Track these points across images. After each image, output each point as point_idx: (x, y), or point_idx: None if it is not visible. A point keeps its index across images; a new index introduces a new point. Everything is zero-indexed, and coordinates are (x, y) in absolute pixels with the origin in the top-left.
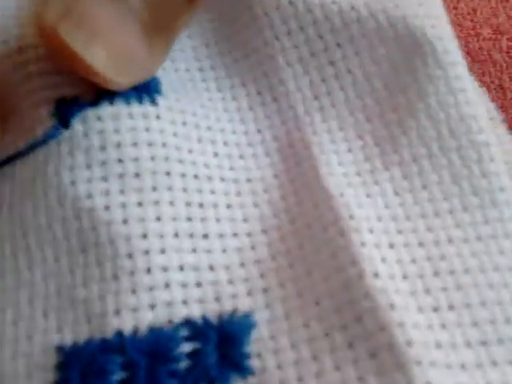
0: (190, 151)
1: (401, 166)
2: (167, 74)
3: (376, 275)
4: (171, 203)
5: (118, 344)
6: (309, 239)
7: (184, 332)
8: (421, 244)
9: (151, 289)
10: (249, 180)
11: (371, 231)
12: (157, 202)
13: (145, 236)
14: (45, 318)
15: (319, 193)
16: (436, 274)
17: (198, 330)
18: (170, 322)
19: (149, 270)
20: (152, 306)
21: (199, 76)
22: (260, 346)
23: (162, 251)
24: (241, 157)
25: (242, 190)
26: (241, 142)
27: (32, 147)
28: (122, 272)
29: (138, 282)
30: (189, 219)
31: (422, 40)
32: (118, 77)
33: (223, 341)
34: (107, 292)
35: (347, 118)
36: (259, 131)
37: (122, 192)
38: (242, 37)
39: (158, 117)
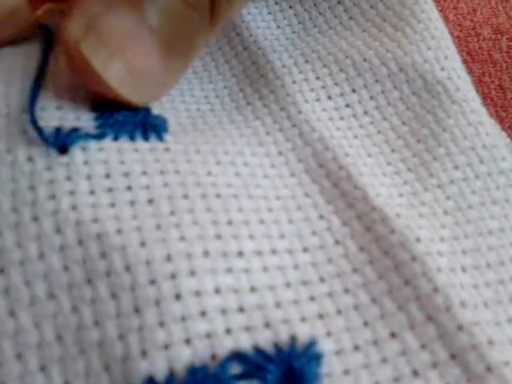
0: (209, 173)
1: (441, 188)
2: (176, 114)
3: (463, 305)
4: (195, 223)
5: None
6: (366, 264)
7: (234, 369)
8: (489, 266)
9: (184, 319)
10: (278, 198)
11: (441, 254)
12: (178, 225)
13: (169, 258)
14: (44, 374)
15: (371, 213)
16: (511, 299)
17: (252, 364)
18: (214, 357)
19: (178, 297)
20: (188, 340)
21: (211, 114)
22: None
23: (192, 273)
24: (265, 176)
25: (273, 207)
26: (263, 164)
27: None
28: (144, 302)
29: (166, 313)
30: (218, 237)
31: (432, 81)
32: (133, 94)
33: (287, 377)
34: (128, 329)
35: (371, 147)
36: (281, 153)
37: (135, 217)
38: (257, 85)
39: (167, 149)
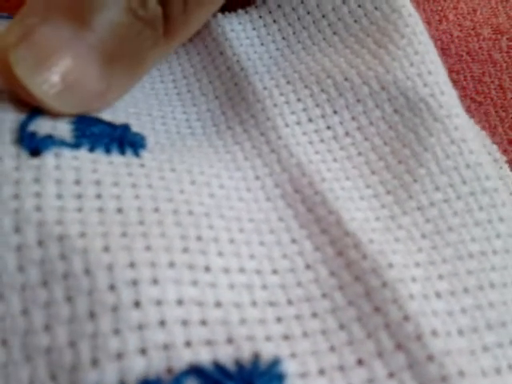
0: (182, 191)
1: (420, 210)
2: (156, 134)
3: (435, 334)
4: (162, 235)
5: None
6: (336, 289)
7: (191, 383)
8: (466, 291)
9: (141, 327)
10: (251, 220)
11: (414, 280)
12: (145, 234)
13: (132, 265)
14: None
15: (344, 238)
16: (488, 327)
17: (210, 379)
18: (170, 370)
19: (137, 304)
20: (143, 350)
21: (191, 138)
22: None
23: (155, 282)
24: (240, 199)
25: (244, 228)
26: (239, 187)
27: None
28: (100, 308)
29: (122, 320)
30: (185, 250)
31: (415, 99)
32: (60, 105)
33: None
34: (80, 335)
35: (351, 170)
36: (258, 178)
37: (102, 223)
38: (238, 108)
39: (142, 165)
